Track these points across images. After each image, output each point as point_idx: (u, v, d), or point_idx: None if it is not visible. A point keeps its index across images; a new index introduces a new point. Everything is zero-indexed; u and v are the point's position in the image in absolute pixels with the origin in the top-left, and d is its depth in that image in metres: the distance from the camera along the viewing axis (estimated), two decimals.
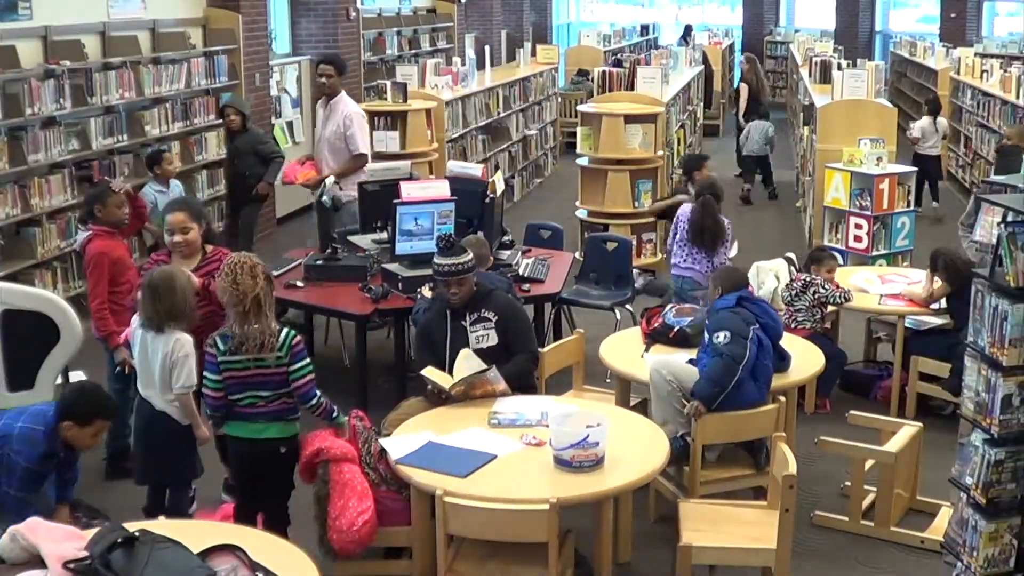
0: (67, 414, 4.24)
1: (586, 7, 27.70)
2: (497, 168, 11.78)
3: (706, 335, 5.03)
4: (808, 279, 6.60)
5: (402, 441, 4.35)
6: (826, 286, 6.56)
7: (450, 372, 4.84)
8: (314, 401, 4.39)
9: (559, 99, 16.08)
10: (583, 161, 9.87)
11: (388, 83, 10.26)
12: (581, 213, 9.64)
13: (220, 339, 4.33)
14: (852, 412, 5.64)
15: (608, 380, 5.98)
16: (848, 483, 5.33)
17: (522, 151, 13.68)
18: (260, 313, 4.26)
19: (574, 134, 10.60)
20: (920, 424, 5.41)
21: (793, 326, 6.42)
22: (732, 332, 4.81)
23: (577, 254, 8.33)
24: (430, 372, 4.83)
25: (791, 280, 6.77)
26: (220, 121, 9.86)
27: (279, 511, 4.46)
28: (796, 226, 11.65)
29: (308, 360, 4.39)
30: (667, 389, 4.88)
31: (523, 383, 5.01)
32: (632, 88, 10.26)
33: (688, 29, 23.50)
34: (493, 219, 6.93)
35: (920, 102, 16.75)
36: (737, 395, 4.80)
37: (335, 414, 4.46)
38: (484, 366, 4.75)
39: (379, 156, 9.32)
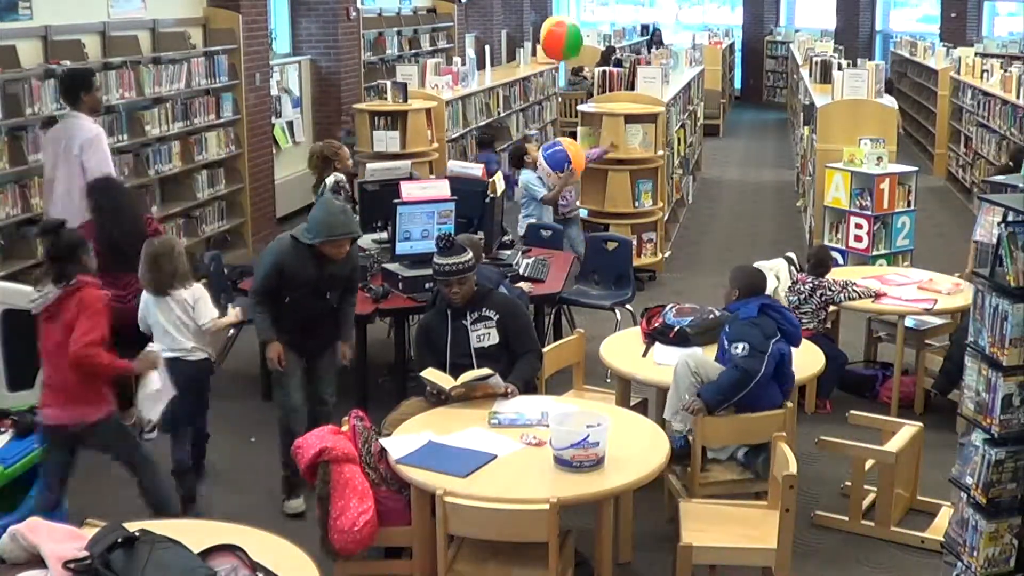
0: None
1: (586, 7, 27.68)
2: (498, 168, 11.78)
3: (725, 339, 4.98)
4: (816, 282, 6.58)
5: (402, 441, 4.35)
6: (833, 287, 6.54)
7: (450, 373, 4.85)
8: None
9: (559, 99, 16.07)
10: None
11: (388, 83, 10.26)
12: (581, 213, 9.63)
13: None
14: (852, 412, 5.64)
15: (608, 380, 5.98)
16: (848, 483, 5.33)
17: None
18: None
19: (574, 134, 10.58)
20: (920, 424, 5.41)
21: None
22: (752, 346, 4.76)
23: None
24: (429, 373, 4.83)
25: (795, 282, 6.73)
26: (220, 121, 9.89)
27: None
28: (796, 226, 11.65)
29: None
30: (688, 382, 4.82)
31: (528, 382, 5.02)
32: (632, 88, 10.25)
33: (656, 32, 23.34)
34: (493, 219, 6.93)
35: (921, 102, 16.78)
36: (765, 396, 4.80)
37: None
38: (488, 372, 4.75)
39: (379, 156, 9.33)
